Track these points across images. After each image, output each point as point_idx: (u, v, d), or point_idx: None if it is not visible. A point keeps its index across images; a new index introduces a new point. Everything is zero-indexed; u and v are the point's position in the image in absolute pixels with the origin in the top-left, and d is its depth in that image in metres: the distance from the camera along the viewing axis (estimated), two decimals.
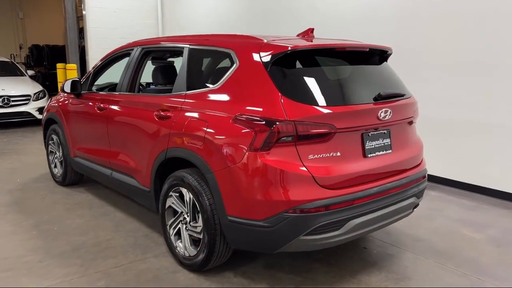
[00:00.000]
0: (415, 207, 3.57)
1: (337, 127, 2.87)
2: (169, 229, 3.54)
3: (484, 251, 3.85)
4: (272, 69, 2.92)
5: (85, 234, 4.09)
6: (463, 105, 5.38)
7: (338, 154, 2.92)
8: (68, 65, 9.48)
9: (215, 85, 3.22)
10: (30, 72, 11.22)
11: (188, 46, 3.64)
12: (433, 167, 5.74)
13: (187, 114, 3.32)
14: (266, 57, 2.96)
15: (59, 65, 9.68)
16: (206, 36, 3.71)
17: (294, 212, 2.76)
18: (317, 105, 2.87)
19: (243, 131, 2.87)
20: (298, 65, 3.05)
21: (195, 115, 3.25)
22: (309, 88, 2.96)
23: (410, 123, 3.50)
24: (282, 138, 2.76)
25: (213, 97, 3.20)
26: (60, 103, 5.27)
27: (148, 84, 5.24)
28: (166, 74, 4.16)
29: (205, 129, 3.10)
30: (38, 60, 16.45)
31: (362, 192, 2.98)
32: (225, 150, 2.94)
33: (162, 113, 3.56)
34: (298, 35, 3.65)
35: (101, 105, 4.42)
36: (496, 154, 5.13)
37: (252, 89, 2.97)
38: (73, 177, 5.35)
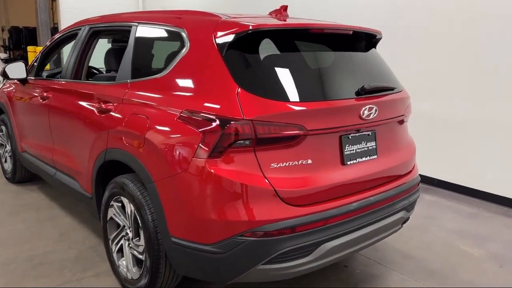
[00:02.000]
0: (405, 222, 2.99)
1: (308, 128, 2.28)
2: (111, 245, 2.96)
3: (484, 272, 3.30)
4: (228, 54, 2.32)
5: (21, 244, 3.50)
6: (464, 101, 4.79)
7: (309, 161, 2.33)
8: (39, 48, 8.80)
9: (161, 73, 2.60)
10: (3, 55, 10.54)
11: (135, 24, 3.01)
12: (429, 168, 5.21)
13: (128, 107, 2.72)
14: (221, 38, 2.35)
15: (30, 48, 9.03)
16: (156, 13, 3.09)
17: (251, 235, 2.18)
18: (284, 100, 2.28)
19: (188, 131, 2.27)
20: (263, 49, 2.43)
21: (136, 109, 2.64)
22: (275, 79, 2.37)
23: (401, 122, 2.90)
24: (237, 142, 2.17)
25: (157, 87, 2.60)
26: (6, 91, 4.64)
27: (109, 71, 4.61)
28: (119, 59, 3.52)
29: (146, 127, 2.49)
30: (17, 43, 15.66)
31: (339, 208, 2.41)
32: (167, 155, 2.35)
33: (102, 105, 2.96)
34: (270, 13, 3.01)
35: (44, 94, 3.80)
36: (499, 155, 4.56)
37: (203, 79, 2.37)
38: (24, 174, 4.75)
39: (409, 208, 2.95)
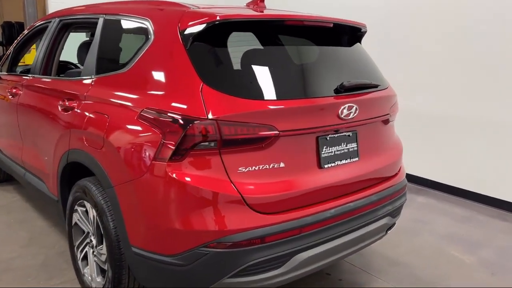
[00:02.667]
0: (390, 228, 2.80)
1: (279, 129, 2.09)
2: (77, 252, 2.77)
3: (475, 280, 3.11)
4: (193, 47, 2.12)
5: None
6: (460, 97, 4.59)
7: (282, 165, 2.14)
8: None
9: (123, 68, 2.41)
10: None
11: (102, 16, 2.81)
12: (422, 169, 5.02)
13: (90, 105, 2.52)
14: (186, 30, 2.15)
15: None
16: (123, 3, 2.89)
17: (216, 246, 1.99)
18: (253, 98, 2.09)
19: (149, 132, 2.08)
20: (232, 43, 2.23)
21: (98, 107, 2.45)
22: (244, 76, 2.18)
23: (386, 122, 2.71)
24: (201, 144, 1.98)
25: (120, 83, 2.41)
26: None
27: None
28: None
29: (106, 126, 2.30)
30: (10, 38, 15.36)
31: (314, 216, 2.21)
32: (127, 158, 2.16)
33: (66, 103, 2.76)
34: (247, 5, 2.81)
35: (13, 90, 3.61)
36: (495, 156, 4.36)
37: (165, 74, 2.18)
38: (1, 173, 4.55)
39: (395, 213, 2.75)
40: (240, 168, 2.04)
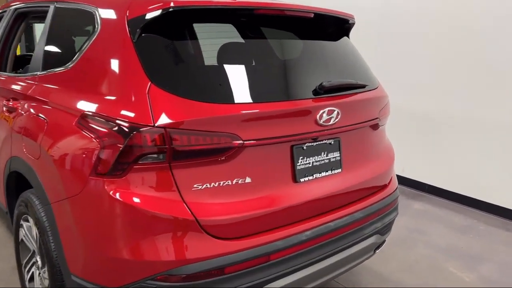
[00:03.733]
0: (379, 247, 2.47)
1: (244, 138, 1.75)
2: (24, 271, 2.44)
3: None
4: (142, 40, 1.78)
5: None
6: (462, 98, 4.23)
7: (248, 180, 1.80)
8: None
9: (68, 64, 2.07)
10: None
11: (53, 4, 2.46)
12: (420, 172, 4.68)
13: (31, 106, 2.18)
14: (134, 19, 1.80)
15: None
16: None
17: (165, 279, 1.68)
18: (212, 101, 1.75)
19: (86, 141, 1.74)
20: (189, 35, 1.88)
21: (38, 109, 2.12)
22: (202, 75, 1.84)
23: (375, 127, 2.36)
24: (147, 157, 1.64)
25: (62, 82, 2.07)
26: None
27: None
28: None
29: (42, 132, 1.96)
30: None
31: (287, 239, 1.89)
32: (62, 171, 1.82)
33: (10, 103, 2.42)
34: None
35: None
36: (498, 160, 4.01)
37: (108, 72, 1.84)
38: None
39: (384, 230, 2.42)
40: (195, 185, 1.71)
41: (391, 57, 4.77)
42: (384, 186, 2.45)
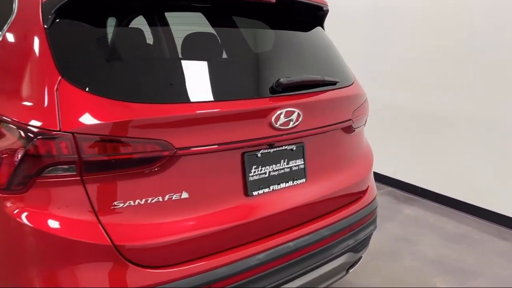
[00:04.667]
0: (353, 266, 2.16)
1: (177, 145, 1.45)
2: None
3: None
4: (56, 26, 1.48)
5: None
6: (456, 93, 3.91)
7: (184, 195, 1.50)
8: None
9: None
10: None
11: None
12: (411, 174, 4.38)
13: None
14: (50, 1, 1.48)
15: None
16: None
17: None
18: (137, 100, 1.44)
19: None
20: (114, 23, 1.57)
21: None
22: (126, 68, 1.52)
23: (348, 129, 2.05)
24: (54, 168, 1.33)
25: None
26: None
27: None
28: None
29: None
30: None
31: (232, 265, 1.60)
32: None
33: None
34: None
35: None
36: (496, 164, 3.68)
37: (15, 64, 1.53)
38: None
39: (359, 247, 2.12)
40: (115, 203, 1.40)
41: (381, 49, 4.45)
42: (359, 197, 2.14)
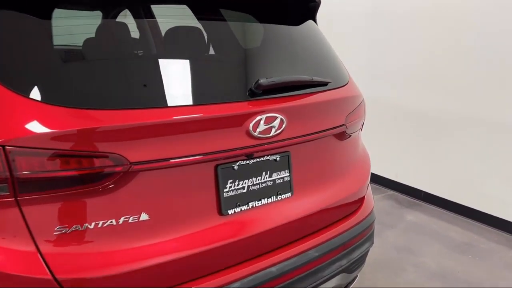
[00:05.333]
0: (347, 286, 1.93)
1: (132, 159, 1.21)
2: None
3: None
4: None
5: None
6: (465, 93, 3.66)
7: (143, 217, 1.29)
8: None
9: None
10: None
11: None
12: (415, 177, 4.14)
13: None
14: None
15: None
16: None
17: None
18: (82, 106, 1.19)
19: None
20: (68, 13, 1.34)
21: None
22: (70, 67, 1.30)
23: (341, 136, 1.81)
24: None
25: None
26: None
27: None
28: None
29: None
30: None
31: None
32: None
33: None
34: None
35: None
36: (506, 167, 3.44)
37: None
38: None
39: (353, 267, 1.89)
40: (58, 228, 1.18)
41: (383, 45, 4.20)
42: (354, 211, 1.91)
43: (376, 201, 4.16)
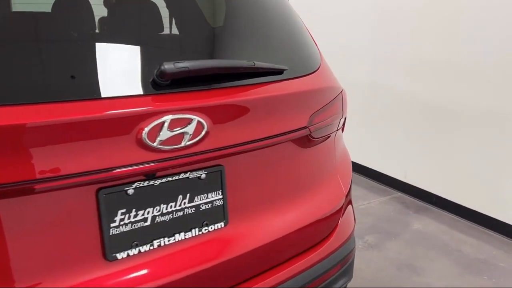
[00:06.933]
0: None
1: None
2: None
3: None
4: None
5: None
6: (486, 84, 3.12)
7: None
8: None
9: None
10: None
11: None
12: (426, 180, 3.63)
13: None
14: None
15: None
16: None
17: None
18: None
19: None
20: None
21: None
22: None
23: (304, 142, 1.34)
24: None
25: None
26: None
27: None
28: None
29: None
30: None
31: None
32: None
33: None
34: None
35: None
36: None
37: None
38: None
39: None
40: None
41: (389, 29, 3.67)
42: (323, 240, 1.43)
43: (380, 204, 3.68)
